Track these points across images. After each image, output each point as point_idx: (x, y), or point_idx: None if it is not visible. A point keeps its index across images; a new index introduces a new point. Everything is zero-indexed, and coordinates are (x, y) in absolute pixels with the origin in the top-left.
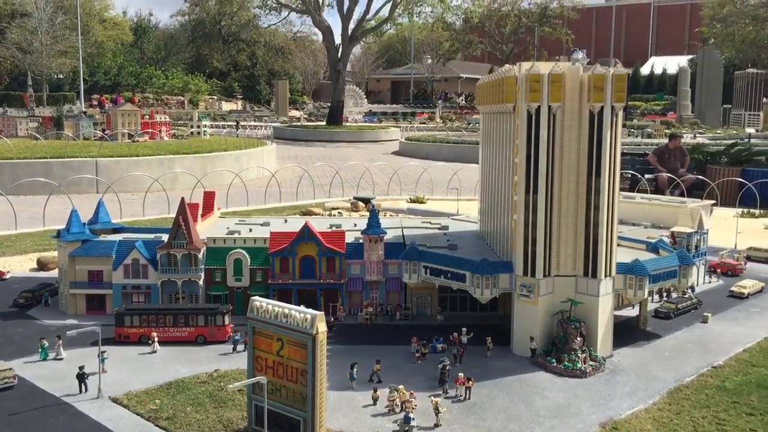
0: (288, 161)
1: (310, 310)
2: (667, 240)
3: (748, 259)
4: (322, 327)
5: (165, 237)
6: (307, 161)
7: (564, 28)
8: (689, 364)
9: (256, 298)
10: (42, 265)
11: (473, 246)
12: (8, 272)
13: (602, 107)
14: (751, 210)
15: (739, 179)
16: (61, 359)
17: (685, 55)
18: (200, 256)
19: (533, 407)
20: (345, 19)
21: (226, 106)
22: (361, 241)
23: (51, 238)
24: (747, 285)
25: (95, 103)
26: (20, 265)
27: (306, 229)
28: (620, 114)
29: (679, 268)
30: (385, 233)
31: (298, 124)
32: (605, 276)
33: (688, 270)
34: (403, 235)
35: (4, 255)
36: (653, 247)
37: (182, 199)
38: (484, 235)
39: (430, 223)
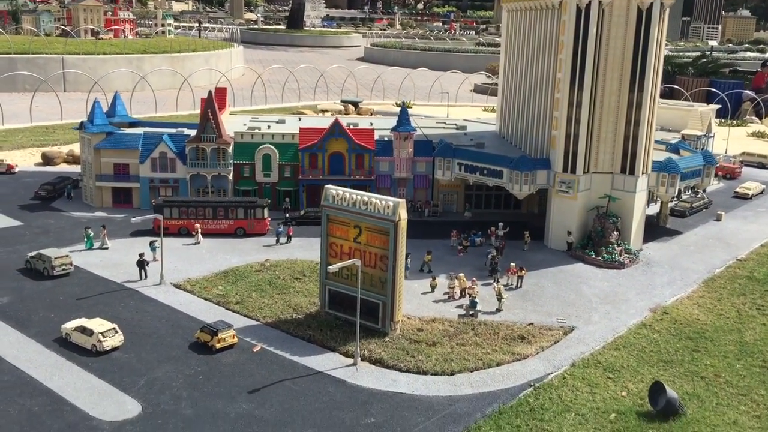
0: (254, 65)
1: (392, 198)
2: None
3: (742, 163)
4: (403, 214)
5: (188, 131)
6: (272, 64)
7: None
8: (715, 258)
9: (331, 186)
10: (48, 160)
11: (498, 145)
12: (16, 166)
13: (651, 4)
14: (724, 119)
15: (709, 89)
16: (106, 248)
17: None
18: (229, 150)
19: (583, 294)
20: None
21: (177, 6)
22: (387, 138)
23: (48, 133)
24: (750, 187)
25: None
26: (23, 160)
27: (336, 125)
28: (667, 11)
29: (704, 167)
30: (415, 131)
31: (257, 27)
32: (642, 173)
33: (711, 169)
34: (424, 134)
35: (1, 149)
36: (674, 148)
37: (210, 92)
38: (506, 135)
39: (445, 123)
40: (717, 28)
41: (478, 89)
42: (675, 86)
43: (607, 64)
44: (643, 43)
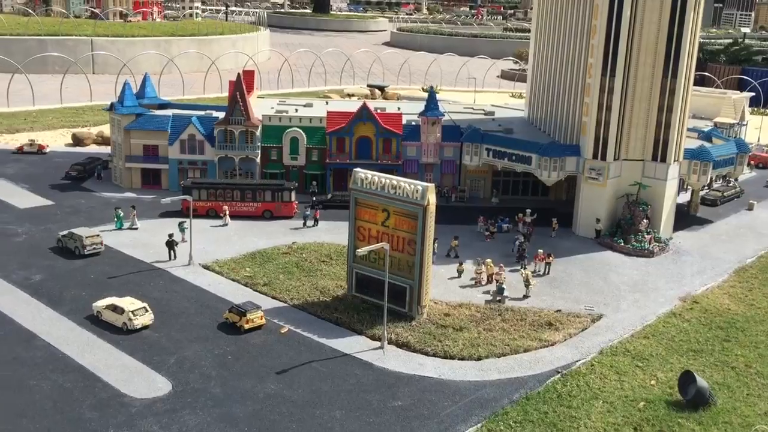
0: (280, 48)
1: (420, 182)
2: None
3: None
4: (432, 198)
5: (216, 114)
6: (299, 48)
7: None
8: (747, 247)
9: (359, 170)
10: (78, 141)
11: (527, 131)
12: (47, 146)
13: None
14: (757, 108)
15: (741, 77)
16: (136, 228)
17: None
18: (257, 133)
19: (611, 282)
20: None
21: None
22: (415, 123)
23: (78, 114)
24: None
25: None
26: (54, 140)
27: (364, 109)
28: None
29: (737, 155)
30: (443, 115)
31: (283, 10)
32: (674, 161)
33: (744, 158)
34: (452, 119)
35: (32, 130)
36: (706, 136)
37: (238, 74)
38: (535, 121)
39: (473, 109)
40: (750, 15)
41: (506, 75)
42: (706, 74)
43: (640, 49)
44: (677, 28)
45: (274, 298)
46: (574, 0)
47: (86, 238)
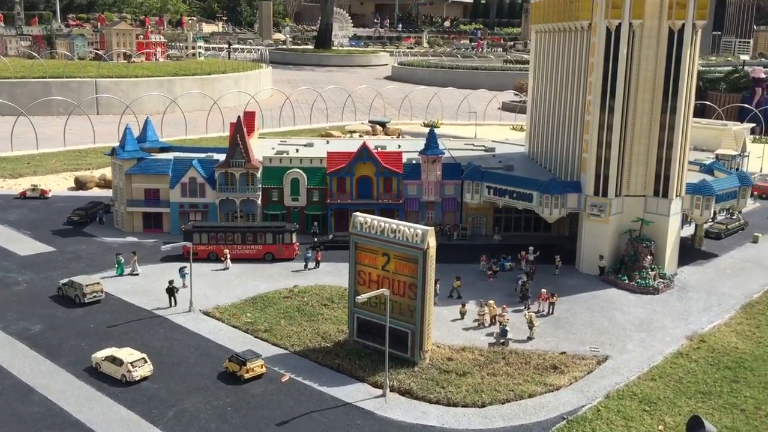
0: (282, 85)
1: (420, 225)
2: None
3: None
4: (432, 242)
5: (217, 156)
6: (301, 85)
7: None
8: (753, 282)
9: (359, 213)
10: (80, 185)
11: (528, 167)
12: (50, 191)
13: (683, 24)
14: (759, 136)
15: (742, 105)
16: (137, 274)
17: None
18: (258, 175)
19: (617, 321)
20: None
21: (207, 28)
22: (415, 161)
23: (81, 157)
24: None
25: (72, 23)
26: (57, 185)
27: (364, 149)
28: (699, 32)
29: (739, 188)
30: (444, 153)
31: (285, 47)
32: (676, 196)
33: (747, 191)
34: (453, 156)
35: (35, 174)
36: (708, 169)
37: (239, 117)
38: (535, 156)
39: (473, 145)
40: (749, 42)
41: (506, 107)
42: (707, 102)
43: (638, 85)
44: (675, 64)
45: (274, 344)
46: (571, 37)
47: (86, 286)
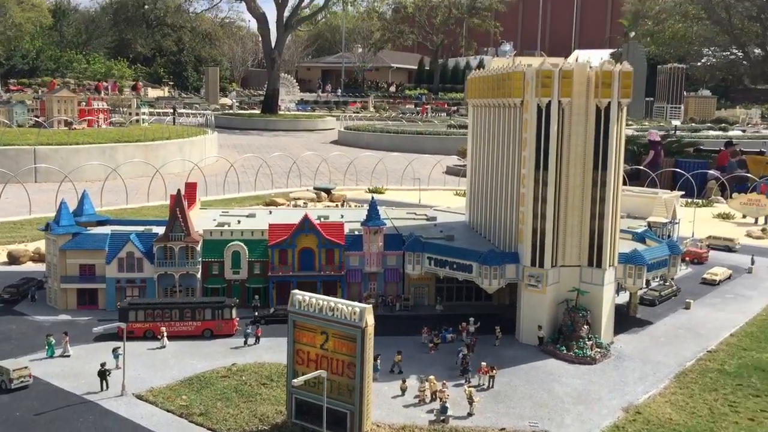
0: (228, 150)
1: (358, 303)
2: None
3: (709, 247)
4: (370, 320)
5: (155, 229)
6: (247, 150)
7: (492, 19)
8: (686, 349)
9: (297, 291)
10: (13, 259)
11: (468, 237)
12: None
13: (609, 102)
14: (692, 200)
15: (674, 170)
16: (68, 356)
17: (608, 49)
18: (198, 248)
19: (555, 394)
20: (280, 6)
21: (153, 93)
22: (358, 232)
23: (15, 229)
24: (718, 272)
25: (13, 87)
26: None
27: (306, 221)
28: (625, 109)
29: (669, 257)
30: (385, 225)
31: (232, 112)
32: (609, 266)
33: (677, 259)
34: (394, 226)
35: None
36: (640, 237)
37: (178, 190)
38: (476, 226)
39: (415, 214)
40: (680, 108)
41: (450, 171)
42: (641, 167)
43: (569, 160)
44: (603, 139)
45: (210, 429)
46: (505, 113)
47: (13, 371)
